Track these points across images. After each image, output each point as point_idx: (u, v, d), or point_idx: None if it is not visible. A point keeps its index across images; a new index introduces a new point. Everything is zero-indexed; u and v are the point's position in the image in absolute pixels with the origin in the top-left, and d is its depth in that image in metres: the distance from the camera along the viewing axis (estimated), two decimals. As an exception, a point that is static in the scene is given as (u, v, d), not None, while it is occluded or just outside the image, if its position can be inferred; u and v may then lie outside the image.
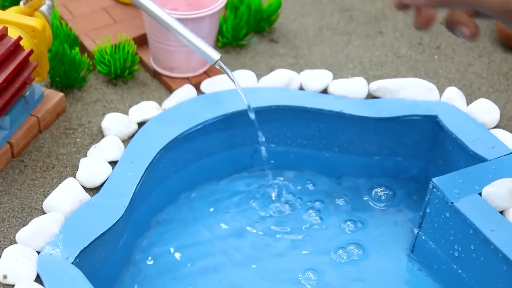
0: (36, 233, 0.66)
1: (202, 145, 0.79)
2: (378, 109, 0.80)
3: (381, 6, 1.00)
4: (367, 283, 0.74)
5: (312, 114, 0.81)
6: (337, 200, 0.82)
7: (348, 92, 0.82)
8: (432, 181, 0.70)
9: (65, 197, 0.69)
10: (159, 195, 0.77)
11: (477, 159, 0.74)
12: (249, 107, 0.74)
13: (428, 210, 0.72)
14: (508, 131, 0.79)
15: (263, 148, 0.75)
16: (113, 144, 0.75)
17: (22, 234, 0.66)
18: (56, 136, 0.77)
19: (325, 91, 0.83)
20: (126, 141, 0.77)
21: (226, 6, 0.93)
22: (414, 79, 0.83)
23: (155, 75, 0.85)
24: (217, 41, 0.90)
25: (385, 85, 0.83)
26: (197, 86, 0.83)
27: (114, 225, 0.67)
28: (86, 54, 0.85)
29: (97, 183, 0.72)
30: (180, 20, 0.76)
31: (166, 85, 0.84)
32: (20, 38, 0.71)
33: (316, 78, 0.83)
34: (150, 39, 0.82)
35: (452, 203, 0.68)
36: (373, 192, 0.82)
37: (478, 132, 0.77)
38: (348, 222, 0.80)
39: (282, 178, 0.82)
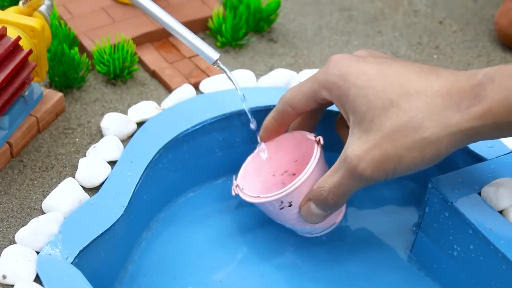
0: (35, 233, 0.66)
1: (201, 145, 0.79)
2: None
3: (380, 6, 1.00)
4: (366, 283, 0.73)
5: (311, 113, 0.81)
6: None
7: (347, 91, 0.82)
8: (431, 181, 0.70)
9: (64, 197, 0.69)
10: (158, 195, 0.77)
11: (476, 158, 0.74)
12: (246, 106, 0.74)
13: (427, 210, 0.72)
14: (507, 130, 0.79)
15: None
16: (112, 144, 0.75)
17: (21, 234, 0.66)
18: (55, 136, 0.77)
19: (324, 91, 0.83)
20: (125, 141, 0.77)
21: (225, 6, 0.93)
22: (413, 79, 0.83)
23: (154, 74, 0.85)
24: (216, 41, 0.90)
25: (384, 85, 0.82)
26: (196, 86, 0.83)
27: (113, 225, 0.67)
28: (85, 54, 0.85)
29: (96, 183, 0.72)
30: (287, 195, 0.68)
31: (165, 85, 0.84)
32: (19, 38, 0.70)
33: (315, 77, 0.83)
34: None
35: (452, 202, 0.68)
36: (372, 192, 0.82)
37: (477, 132, 0.77)
38: (347, 222, 0.80)
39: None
